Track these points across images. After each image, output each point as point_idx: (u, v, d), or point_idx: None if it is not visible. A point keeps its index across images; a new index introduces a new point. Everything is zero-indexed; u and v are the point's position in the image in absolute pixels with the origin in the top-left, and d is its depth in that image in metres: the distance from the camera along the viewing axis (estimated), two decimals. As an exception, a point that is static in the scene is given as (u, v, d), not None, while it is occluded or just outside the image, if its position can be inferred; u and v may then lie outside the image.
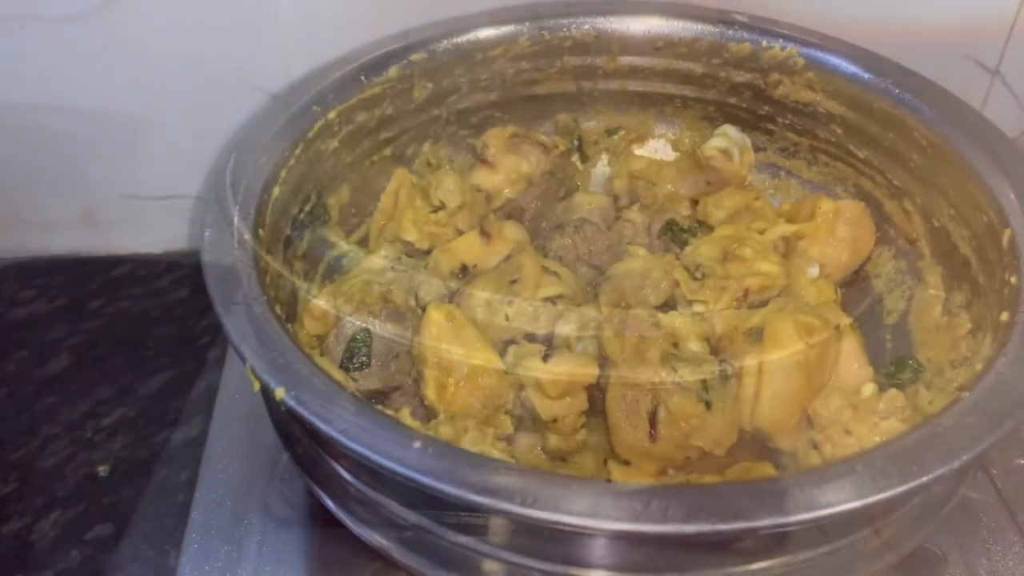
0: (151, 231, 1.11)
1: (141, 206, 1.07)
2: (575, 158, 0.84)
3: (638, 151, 0.84)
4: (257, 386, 0.48)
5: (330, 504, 0.57)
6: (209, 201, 0.58)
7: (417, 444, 0.44)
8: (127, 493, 0.85)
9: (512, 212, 0.78)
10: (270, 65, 0.91)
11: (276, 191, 0.61)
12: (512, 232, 0.73)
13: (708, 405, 0.59)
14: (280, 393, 0.46)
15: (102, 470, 0.87)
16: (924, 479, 0.42)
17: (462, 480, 0.41)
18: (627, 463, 0.60)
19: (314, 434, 0.50)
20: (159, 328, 1.02)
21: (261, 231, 0.58)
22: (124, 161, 1.01)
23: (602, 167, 0.85)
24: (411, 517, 0.51)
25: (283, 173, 0.62)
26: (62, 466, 0.88)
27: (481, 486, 0.41)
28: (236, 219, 0.57)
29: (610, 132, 0.84)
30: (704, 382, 0.59)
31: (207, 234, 0.55)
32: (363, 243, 0.76)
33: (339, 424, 0.45)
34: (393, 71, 0.72)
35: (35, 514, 0.83)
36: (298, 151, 0.65)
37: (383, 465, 0.43)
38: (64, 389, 0.95)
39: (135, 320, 1.03)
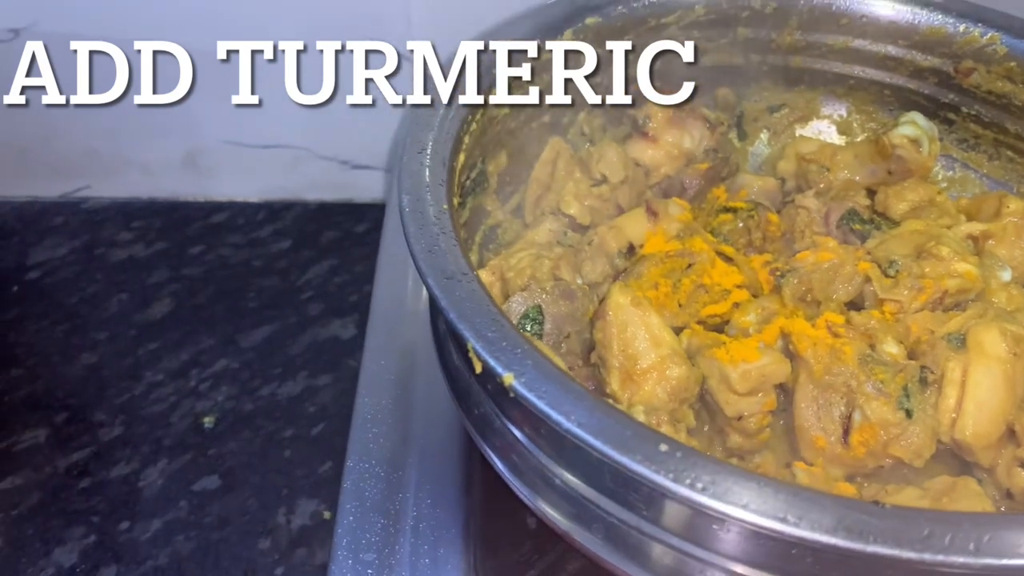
0: (251, 179, 1.08)
1: (242, 152, 1.05)
2: (732, 135, 0.79)
3: (799, 131, 0.80)
4: (479, 368, 0.45)
5: (505, 472, 0.53)
6: (400, 165, 0.54)
7: (664, 447, 0.41)
8: (232, 446, 0.84)
9: (669, 190, 0.74)
10: (390, 15, 0.87)
11: (461, 158, 0.58)
12: (677, 212, 0.69)
13: (909, 413, 0.56)
14: (509, 379, 0.43)
15: (207, 421, 0.86)
16: None
17: (729, 498, 0.39)
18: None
19: (530, 420, 0.47)
20: (261, 279, 1.01)
21: (456, 200, 0.54)
22: (228, 105, 0.98)
23: (760, 146, 0.80)
24: (600, 500, 0.48)
25: (466, 139, 0.59)
26: (167, 414, 0.87)
27: (747, 505, 0.39)
28: (428, 185, 0.53)
29: (772, 109, 0.80)
30: (905, 388, 0.56)
31: (405, 200, 0.52)
32: (516, 213, 0.73)
33: (577, 418, 0.42)
34: (568, 34, 0.68)
35: (142, 460, 0.82)
36: (479, 115, 0.61)
37: (629, 467, 0.41)
38: (166, 336, 0.94)
39: (235, 269, 1.02)
